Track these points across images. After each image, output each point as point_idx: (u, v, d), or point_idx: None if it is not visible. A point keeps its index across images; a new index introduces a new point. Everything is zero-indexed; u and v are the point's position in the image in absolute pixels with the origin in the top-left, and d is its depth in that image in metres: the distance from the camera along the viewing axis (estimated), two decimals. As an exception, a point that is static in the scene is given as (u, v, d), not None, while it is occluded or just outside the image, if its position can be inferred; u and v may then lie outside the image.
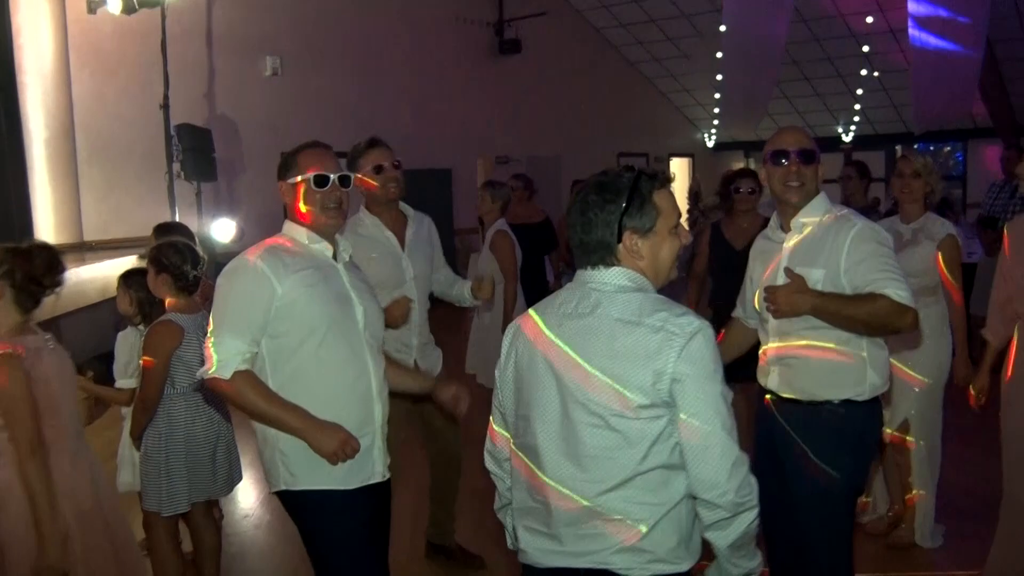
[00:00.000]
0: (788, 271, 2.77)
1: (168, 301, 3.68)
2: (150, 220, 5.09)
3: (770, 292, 2.74)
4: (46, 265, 2.99)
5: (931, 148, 19.26)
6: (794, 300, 2.69)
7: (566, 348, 2.01)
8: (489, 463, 2.35)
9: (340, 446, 2.61)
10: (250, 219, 9.92)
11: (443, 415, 4.05)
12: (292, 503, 2.74)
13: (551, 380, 2.04)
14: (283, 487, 2.70)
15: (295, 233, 2.80)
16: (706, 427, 1.89)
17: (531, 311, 2.15)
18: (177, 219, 8.95)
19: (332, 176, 2.78)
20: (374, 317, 2.86)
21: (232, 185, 10.97)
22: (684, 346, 1.89)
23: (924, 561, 4.21)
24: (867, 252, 2.76)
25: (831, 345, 2.86)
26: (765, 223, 3.43)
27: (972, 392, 3.93)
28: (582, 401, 1.97)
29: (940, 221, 4.20)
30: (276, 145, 11.18)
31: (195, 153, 9.25)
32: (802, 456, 2.89)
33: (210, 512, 3.96)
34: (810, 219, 2.94)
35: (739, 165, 20.35)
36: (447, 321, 4.59)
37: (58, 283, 3.03)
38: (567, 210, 2.08)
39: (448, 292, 4.24)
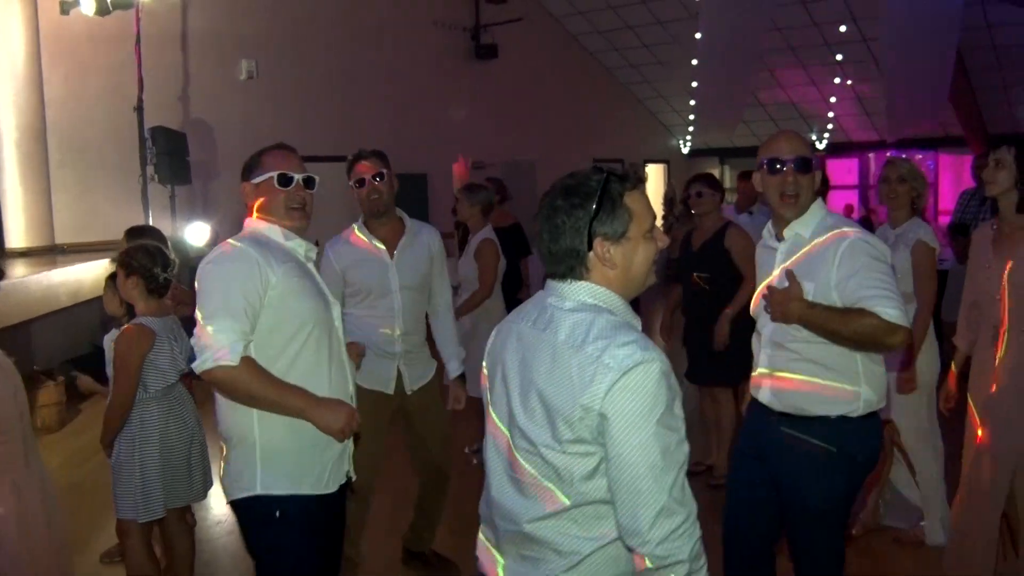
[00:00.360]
0: (789, 274, 2.73)
1: (139, 305, 3.64)
2: (123, 223, 5.04)
3: (770, 292, 2.77)
4: None
5: (903, 156, 19.46)
6: (786, 307, 2.69)
7: (516, 366, 1.93)
8: None
9: (348, 421, 2.58)
10: (225, 223, 9.84)
11: (428, 423, 4.07)
12: (262, 509, 2.63)
13: (504, 396, 1.96)
14: (259, 492, 2.61)
15: (267, 230, 2.75)
16: (630, 472, 1.72)
17: (506, 320, 2.08)
18: (151, 222, 8.86)
19: (296, 176, 2.75)
20: (339, 314, 2.86)
21: (207, 189, 10.88)
22: (615, 382, 1.72)
23: (935, 559, 4.18)
24: (858, 266, 2.68)
25: (823, 360, 2.80)
26: (727, 226, 3.48)
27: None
28: (521, 425, 1.88)
29: (918, 226, 4.21)
30: (251, 149, 10.98)
31: (169, 156, 9.17)
32: (797, 472, 2.86)
33: (183, 518, 3.93)
34: (804, 228, 2.88)
35: (714, 171, 20.52)
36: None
37: None
38: (541, 203, 1.94)
39: (435, 332, 4.24)
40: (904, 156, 4.44)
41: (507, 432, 1.93)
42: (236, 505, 2.69)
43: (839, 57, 14.66)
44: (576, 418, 1.76)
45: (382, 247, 3.93)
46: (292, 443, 2.63)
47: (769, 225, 3.07)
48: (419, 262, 4.01)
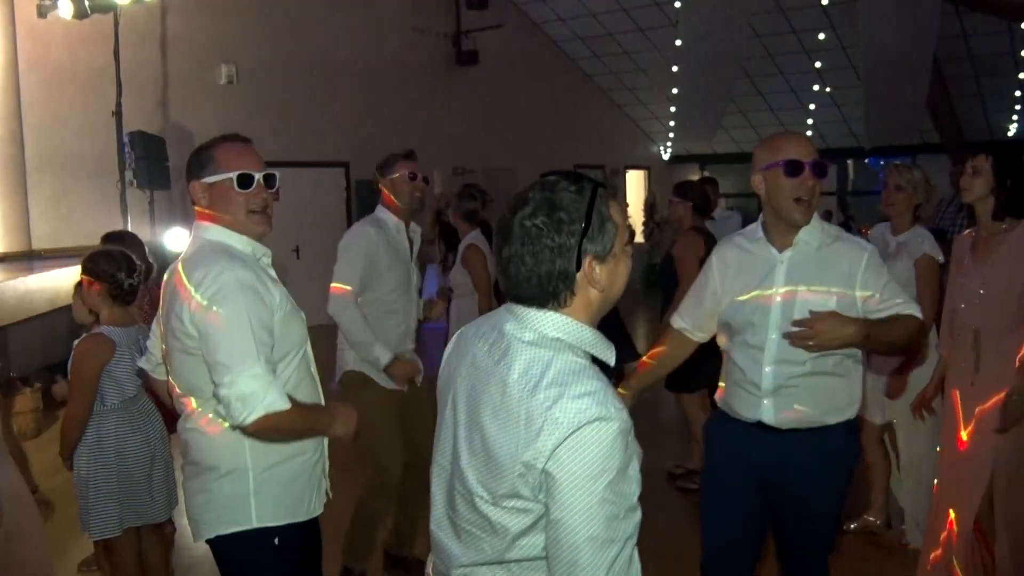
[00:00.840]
0: (819, 318, 2.57)
1: (104, 313, 3.53)
2: (102, 229, 4.99)
3: (809, 324, 2.54)
4: None
5: (881, 162, 19.64)
6: (843, 331, 2.53)
7: (464, 397, 1.73)
8: None
9: (354, 423, 2.53)
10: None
11: (422, 410, 4.14)
12: (256, 543, 2.48)
13: (451, 427, 1.76)
14: (254, 524, 2.45)
15: (232, 240, 2.45)
16: (570, 540, 1.52)
17: (465, 330, 1.85)
18: (129, 228, 8.80)
19: (257, 175, 2.45)
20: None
21: (186, 194, 10.77)
22: (564, 439, 1.51)
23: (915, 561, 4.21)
24: (885, 278, 2.74)
25: (836, 370, 2.75)
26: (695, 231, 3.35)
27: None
28: (462, 466, 1.68)
29: (923, 237, 4.23)
30: (231, 154, 11.12)
31: (148, 161, 9.12)
32: (811, 483, 2.79)
33: (158, 529, 3.83)
34: (812, 237, 2.76)
35: (694, 177, 20.62)
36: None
37: None
38: (499, 235, 1.68)
39: None
40: (909, 164, 4.43)
41: (449, 468, 1.75)
42: (220, 540, 2.49)
43: (818, 64, 14.78)
44: (516, 473, 1.56)
45: (408, 246, 4.12)
46: (286, 470, 2.49)
47: (758, 231, 2.87)
48: (413, 263, 4.23)
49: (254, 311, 2.30)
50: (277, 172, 2.54)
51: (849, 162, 19.29)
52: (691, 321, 3.04)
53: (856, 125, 15.89)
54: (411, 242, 4.15)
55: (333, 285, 3.90)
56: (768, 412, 2.79)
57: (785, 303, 2.73)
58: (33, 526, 3.07)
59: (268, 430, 2.31)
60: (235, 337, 2.26)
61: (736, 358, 2.87)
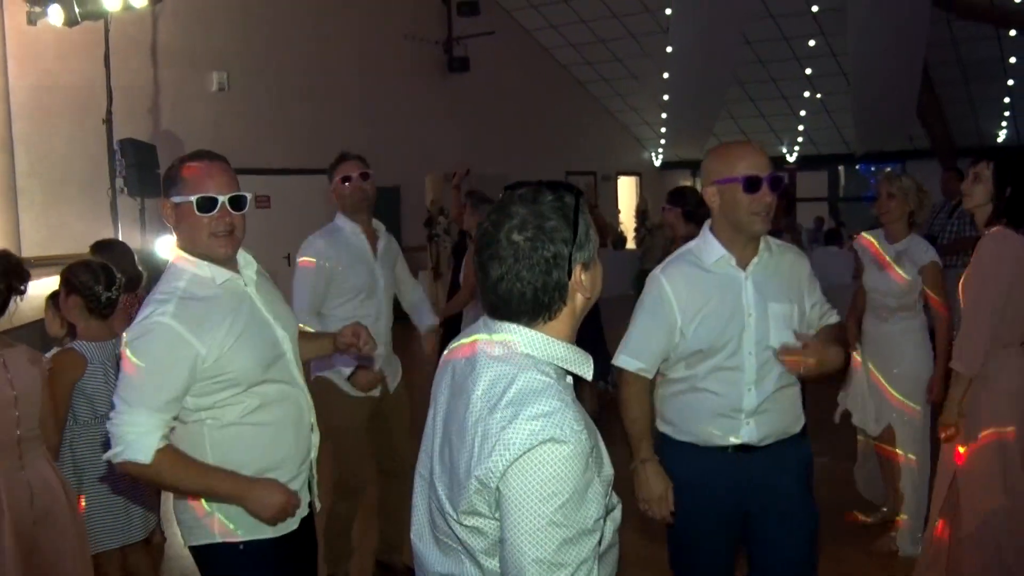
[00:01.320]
0: (808, 345, 2.61)
1: (80, 326, 3.46)
2: (92, 236, 4.97)
3: (806, 352, 2.56)
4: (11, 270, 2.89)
5: (872, 168, 19.72)
6: (830, 354, 2.60)
7: (442, 410, 1.72)
8: None
9: (284, 506, 2.39)
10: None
11: (398, 418, 4.15)
12: (224, 557, 2.47)
13: (431, 439, 1.75)
14: (217, 539, 2.44)
15: (197, 269, 2.41)
16: (517, 558, 1.49)
17: (454, 342, 1.81)
18: (120, 235, 8.78)
19: (221, 199, 2.36)
20: (293, 332, 2.62)
21: (177, 201, 10.81)
22: (515, 460, 1.49)
23: (906, 569, 4.18)
24: (817, 284, 2.84)
25: (791, 377, 2.74)
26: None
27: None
28: (434, 480, 1.68)
29: (924, 247, 4.29)
30: (222, 161, 11.10)
31: (139, 168, 9.07)
32: (792, 494, 2.77)
33: (144, 541, 3.77)
34: (767, 250, 2.72)
35: (686, 183, 20.65)
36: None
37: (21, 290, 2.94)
38: (485, 252, 1.63)
39: (412, 313, 4.50)
40: (899, 172, 4.46)
41: (429, 479, 1.73)
42: (195, 550, 2.50)
43: (809, 71, 14.83)
44: (472, 490, 1.54)
45: (368, 246, 4.04)
46: None
47: (713, 249, 2.72)
48: (392, 264, 4.19)
49: (166, 362, 2.28)
50: (248, 194, 2.46)
51: (840, 168, 19.37)
52: (648, 359, 2.77)
53: (847, 131, 15.97)
54: (376, 239, 4.09)
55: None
56: (752, 433, 2.69)
57: (759, 320, 2.67)
58: (65, 517, 3.06)
59: (140, 477, 2.36)
60: (134, 383, 2.28)
61: (708, 385, 2.70)
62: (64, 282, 3.44)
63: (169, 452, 2.29)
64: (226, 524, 2.43)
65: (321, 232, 4.05)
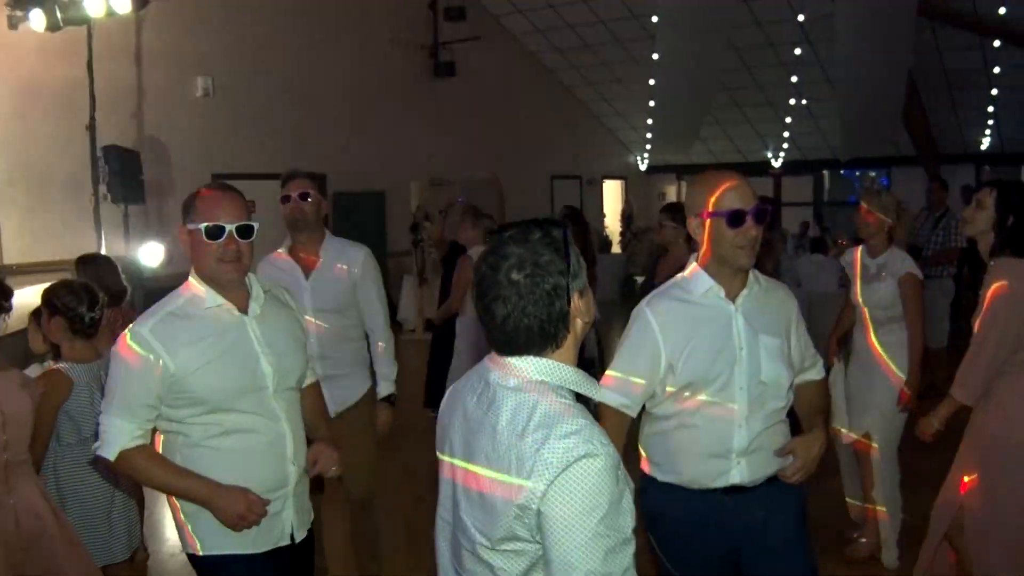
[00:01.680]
0: (798, 451, 2.63)
1: (64, 347, 3.43)
2: (75, 243, 4.94)
3: (805, 460, 2.61)
4: None
5: (857, 174, 19.82)
6: (815, 448, 2.63)
7: (460, 449, 1.78)
8: None
9: (246, 510, 2.45)
10: (179, 243, 9.70)
11: (350, 450, 3.60)
12: (199, 568, 2.61)
13: (451, 480, 1.81)
14: (189, 551, 2.59)
15: (196, 291, 2.57)
16: (569, 574, 1.57)
17: (457, 385, 1.89)
18: (103, 243, 8.73)
19: (228, 227, 2.50)
20: (288, 368, 2.65)
21: (161, 208, 10.68)
22: (554, 479, 1.56)
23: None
24: (804, 327, 2.81)
25: (780, 414, 2.70)
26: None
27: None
28: (462, 516, 1.74)
29: (902, 258, 4.34)
30: (207, 167, 11.02)
31: (122, 175, 9.02)
32: (787, 535, 2.70)
33: (127, 561, 3.72)
34: (755, 283, 2.67)
35: (671, 187, 20.72)
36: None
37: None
38: (488, 294, 1.69)
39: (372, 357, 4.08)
40: (877, 187, 4.50)
41: (451, 521, 1.80)
42: (188, 557, 2.64)
43: (794, 78, 14.88)
44: (512, 516, 1.61)
45: (297, 268, 3.81)
46: None
47: (701, 281, 2.65)
48: (339, 283, 3.84)
49: (134, 368, 2.45)
50: (255, 223, 2.59)
51: (825, 173, 19.46)
52: (632, 395, 2.65)
53: (832, 137, 16.02)
54: (317, 259, 3.84)
55: None
56: (743, 473, 2.61)
57: (750, 353, 2.60)
58: (55, 541, 3.09)
59: (119, 471, 2.63)
60: (110, 387, 2.50)
61: (697, 422, 2.61)
62: (46, 304, 3.43)
63: (142, 452, 2.49)
64: (193, 536, 2.57)
65: (268, 257, 3.92)
